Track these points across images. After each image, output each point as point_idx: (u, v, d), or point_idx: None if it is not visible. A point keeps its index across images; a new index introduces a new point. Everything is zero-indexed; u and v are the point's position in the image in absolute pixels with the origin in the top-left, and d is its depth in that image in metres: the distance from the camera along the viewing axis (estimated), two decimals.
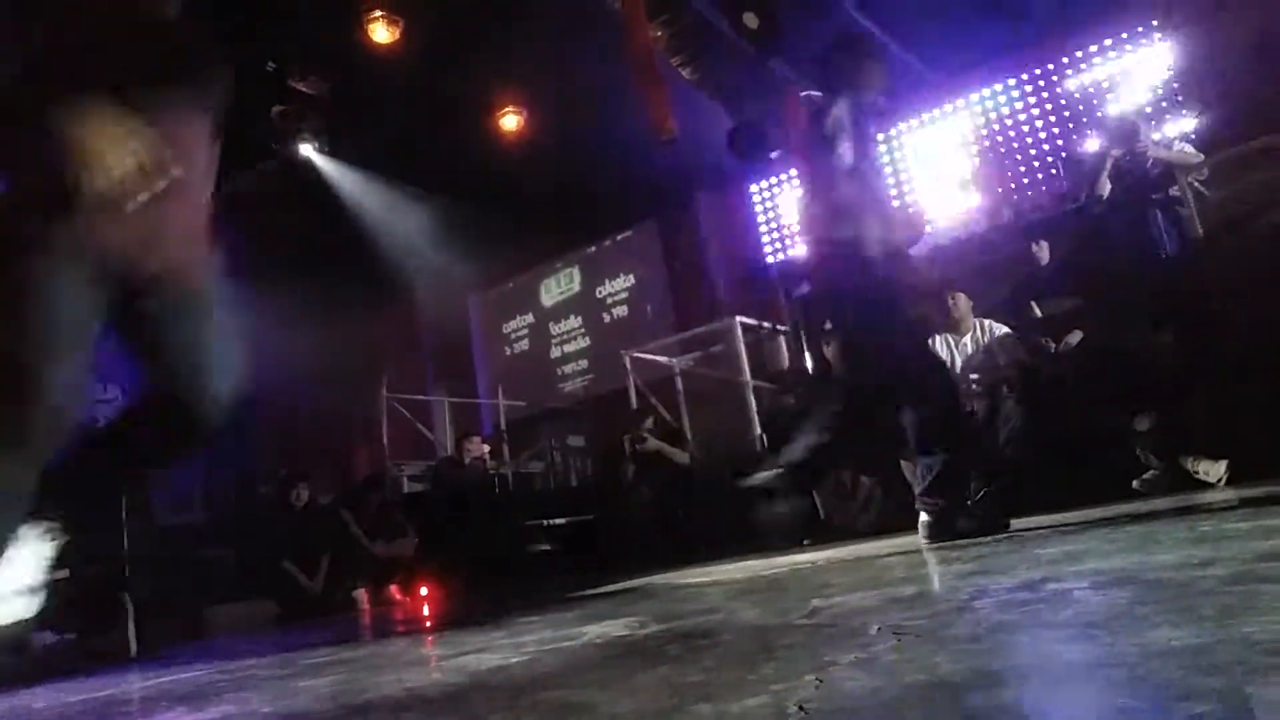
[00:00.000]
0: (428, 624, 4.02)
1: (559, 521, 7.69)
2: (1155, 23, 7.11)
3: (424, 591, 6.85)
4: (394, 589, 6.93)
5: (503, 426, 9.77)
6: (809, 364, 6.76)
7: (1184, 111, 6.92)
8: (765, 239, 9.33)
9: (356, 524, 7.17)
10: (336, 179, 8.82)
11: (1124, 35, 7.28)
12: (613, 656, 1.62)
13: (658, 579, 3.95)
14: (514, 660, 1.75)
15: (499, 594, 5.32)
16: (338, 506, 7.48)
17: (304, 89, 7.38)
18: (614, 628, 2.02)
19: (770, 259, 9.12)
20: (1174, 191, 5.15)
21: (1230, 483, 4.08)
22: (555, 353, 11.65)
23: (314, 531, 7.03)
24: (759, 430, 6.69)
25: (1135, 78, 7.20)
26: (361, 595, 6.80)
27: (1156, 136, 5.46)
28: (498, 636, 2.28)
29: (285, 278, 8.71)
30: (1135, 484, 4.41)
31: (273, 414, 9.61)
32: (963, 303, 5.39)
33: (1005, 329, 5.34)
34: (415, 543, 7.24)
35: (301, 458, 9.04)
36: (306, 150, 8.22)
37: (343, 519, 7.20)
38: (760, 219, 9.40)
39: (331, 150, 8.45)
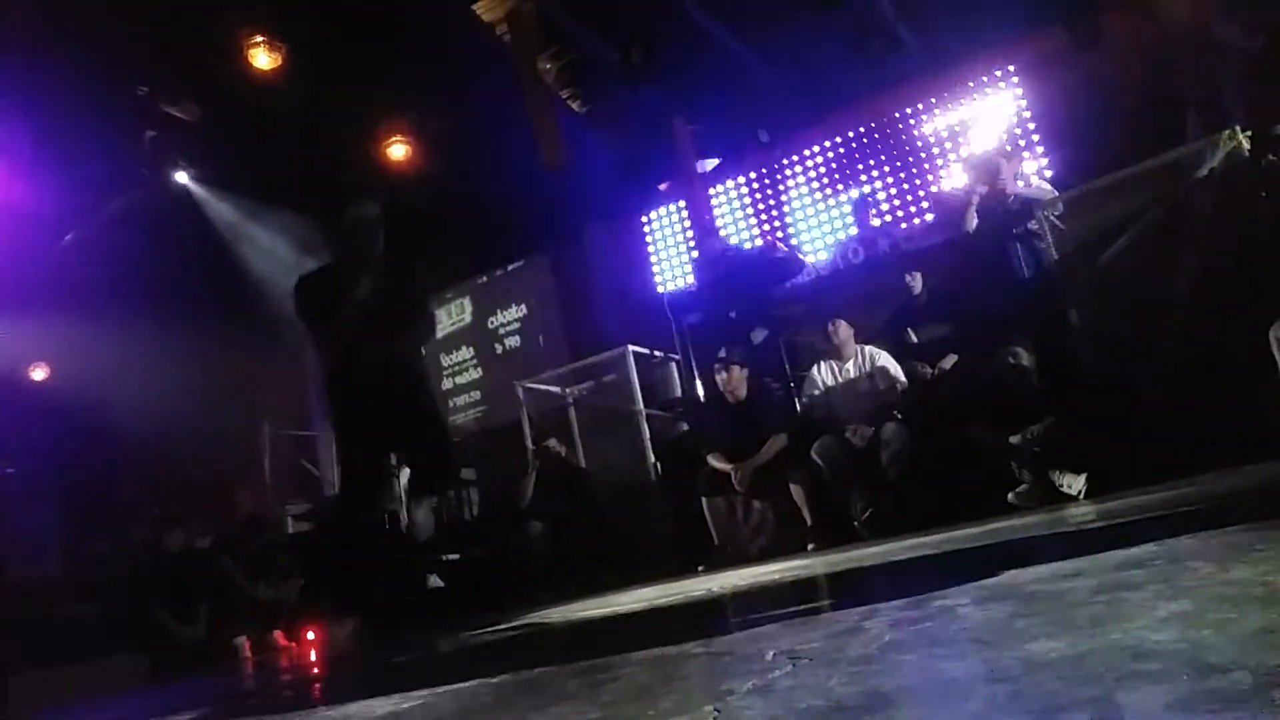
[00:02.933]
0: (314, 671, 3.85)
1: (453, 557, 7.50)
2: (1011, 68, 7.60)
3: (310, 636, 6.55)
4: (278, 635, 6.60)
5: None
6: (700, 390, 6.86)
7: (1039, 150, 7.40)
8: (655, 268, 9.44)
9: (237, 567, 6.80)
10: (213, 207, 8.46)
11: (980, 80, 7.73)
12: (509, 696, 1.59)
13: (554, 612, 3.91)
14: (405, 706, 1.70)
15: (391, 635, 5.15)
16: (217, 549, 7.08)
17: (178, 114, 7.06)
18: (510, 665, 1.98)
19: (660, 288, 9.22)
20: (1032, 225, 5.48)
21: (1088, 495, 4.34)
22: (447, 384, 11.43)
23: (191, 577, 6.62)
24: (653, 459, 6.72)
25: (993, 119, 7.65)
26: (243, 643, 6.45)
27: (1016, 173, 5.78)
28: (389, 681, 2.21)
29: (158, 309, 8.27)
30: (1010, 497, 4.63)
31: (144, 453, 9.07)
32: (843, 329, 5.58)
33: (886, 355, 5.55)
34: (300, 585, 6.92)
35: (177, 499, 8.54)
36: (181, 178, 7.87)
37: (222, 562, 6.82)
38: (650, 248, 9.51)
39: (208, 178, 8.12)
